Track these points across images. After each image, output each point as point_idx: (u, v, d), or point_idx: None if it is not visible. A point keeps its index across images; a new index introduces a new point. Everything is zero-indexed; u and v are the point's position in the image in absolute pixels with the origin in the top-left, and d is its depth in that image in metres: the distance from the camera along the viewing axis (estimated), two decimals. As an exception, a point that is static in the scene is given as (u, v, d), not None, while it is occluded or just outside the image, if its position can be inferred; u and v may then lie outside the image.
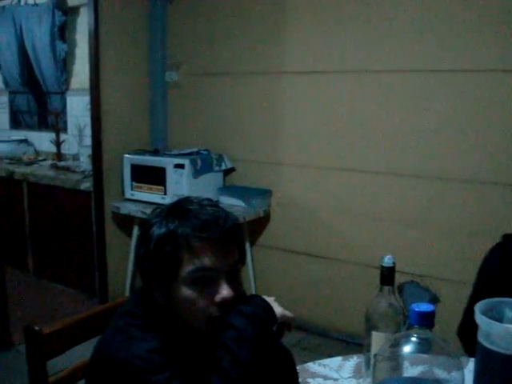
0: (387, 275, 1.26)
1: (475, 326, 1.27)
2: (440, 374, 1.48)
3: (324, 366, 1.43)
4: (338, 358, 1.47)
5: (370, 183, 3.04)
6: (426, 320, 0.81)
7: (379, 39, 2.89)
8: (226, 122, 3.47)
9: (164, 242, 1.13)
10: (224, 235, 1.14)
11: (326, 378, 1.37)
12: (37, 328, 1.30)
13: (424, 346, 0.81)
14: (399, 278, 3.00)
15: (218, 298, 1.12)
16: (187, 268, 1.12)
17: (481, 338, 1.26)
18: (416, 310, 0.81)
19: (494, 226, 2.58)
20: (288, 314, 1.18)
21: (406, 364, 1.16)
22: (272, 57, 3.24)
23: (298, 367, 1.33)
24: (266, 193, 3.35)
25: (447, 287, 2.89)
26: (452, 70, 2.72)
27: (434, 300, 2.94)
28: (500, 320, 1.32)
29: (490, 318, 1.31)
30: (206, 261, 1.12)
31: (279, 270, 3.42)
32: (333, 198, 3.16)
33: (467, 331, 1.60)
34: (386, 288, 1.26)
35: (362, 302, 1.50)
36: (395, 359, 1.10)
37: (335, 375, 1.39)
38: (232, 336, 1.08)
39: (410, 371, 1.49)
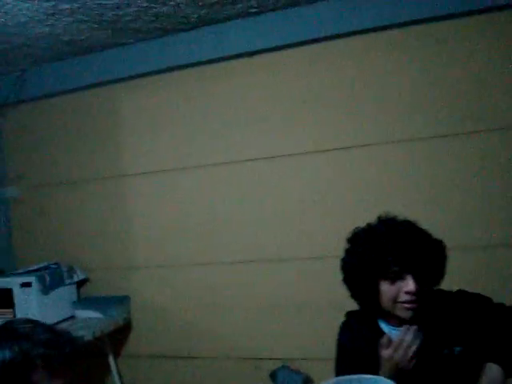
0: None
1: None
2: None
3: None
4: None
5: (230, 274, 3.00)
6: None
7: (226, 131, 2.97)
8: (74, 232, 3.32)
9: None
10: None
11: None
12: None
13: None
14: (272, 366, 2.94)
15: None
16: None
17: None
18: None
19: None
20: None
21: None
22: (112, 161, 3.20)
23: None
24: (123, 300, 3.20)
25: (318, 366, 2.88)
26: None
27: (307, 382, 2.90)
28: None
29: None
30: None
31: (149, 379, 3.22)
32: (193, 294, 3.06)
33: None
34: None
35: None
36: None
37: None
38: None
39: None
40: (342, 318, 2.77)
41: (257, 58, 2.89)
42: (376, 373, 1.59)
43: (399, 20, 2.54)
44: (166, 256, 3.12)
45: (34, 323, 1.17)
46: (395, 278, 1.61)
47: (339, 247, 2.70)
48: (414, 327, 1.59)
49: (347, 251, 1.75)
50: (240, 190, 2.96)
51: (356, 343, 1.76)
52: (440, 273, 1.68)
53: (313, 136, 2.81)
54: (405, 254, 1.59)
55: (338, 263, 2.70)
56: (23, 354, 1.05)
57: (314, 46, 2.76)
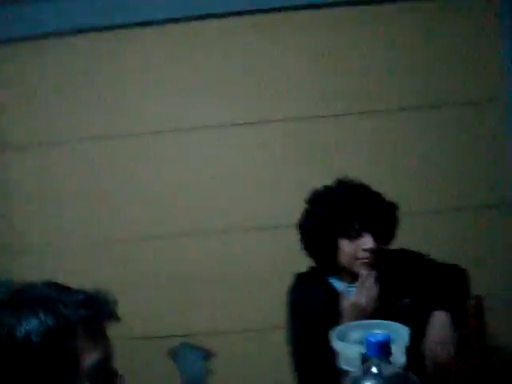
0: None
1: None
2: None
3: None
4: None
5: (130, 251, 2.90)
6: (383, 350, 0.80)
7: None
8: None
9: None
10: None
11: None
12: None
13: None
14: (172, 344, 2.91)
15: None
16: None
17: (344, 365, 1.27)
18: (372, 340, 0.80)
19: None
20: None
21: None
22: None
23: None
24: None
25: (219, 339, 2.91)
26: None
27: (208, 356, 2.92)
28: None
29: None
30: None
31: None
32: (87, 273, 2.91)
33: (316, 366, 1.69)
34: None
35: None
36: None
37: None
38: None
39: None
40: (239, 291, 2.86)
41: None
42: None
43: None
44: (59, 234, 2.93)
45: (56, 285, 0.98)
46: (355, 235, 1.69)
47: (234, 221, 2.77)
48: (374, 271, 1.70)
49: (307, 211, 1.80)
50: (132, 163, 2.87)
51: (310, 303, 1.83)
52: (393, 232, 1.81)
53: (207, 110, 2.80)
54: (364, 214, 1.71)
55: (234, 237, 2.77)
56: (64, 319, 0.86)
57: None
